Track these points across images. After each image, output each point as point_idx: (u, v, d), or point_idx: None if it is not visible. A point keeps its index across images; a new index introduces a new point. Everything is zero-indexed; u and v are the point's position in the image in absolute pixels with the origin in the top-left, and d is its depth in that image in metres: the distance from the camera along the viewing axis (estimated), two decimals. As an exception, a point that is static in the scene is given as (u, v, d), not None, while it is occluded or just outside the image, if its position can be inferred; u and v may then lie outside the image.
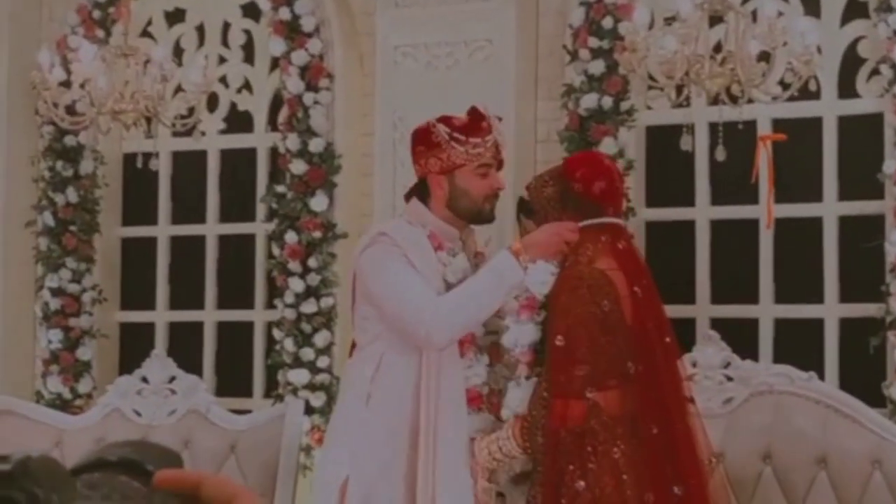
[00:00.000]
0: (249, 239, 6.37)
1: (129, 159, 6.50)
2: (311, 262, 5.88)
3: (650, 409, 3.36)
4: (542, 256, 3.36)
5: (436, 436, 3.31)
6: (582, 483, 3.28)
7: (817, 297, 5.41)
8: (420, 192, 3.53)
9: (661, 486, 3.33)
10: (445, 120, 3.50)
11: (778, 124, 5.41)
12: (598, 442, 3.30)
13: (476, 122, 3.46)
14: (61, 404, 6.21)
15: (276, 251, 6.00)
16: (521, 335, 3.38)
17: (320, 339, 5.87)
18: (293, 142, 6.00)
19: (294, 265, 5.90)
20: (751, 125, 5.22)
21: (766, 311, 5.48)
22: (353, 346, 3.60)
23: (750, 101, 4.72)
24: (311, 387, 5.86)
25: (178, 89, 5.71)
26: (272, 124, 6.32)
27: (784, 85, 4.85)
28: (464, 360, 3.40)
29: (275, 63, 6.27)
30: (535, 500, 3.36)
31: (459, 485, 3.34)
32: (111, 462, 0.93)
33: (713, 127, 5.16)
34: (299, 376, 5.82)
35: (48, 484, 0.86)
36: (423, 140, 3.49)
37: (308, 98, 6.01)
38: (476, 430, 3.38)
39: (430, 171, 3.46)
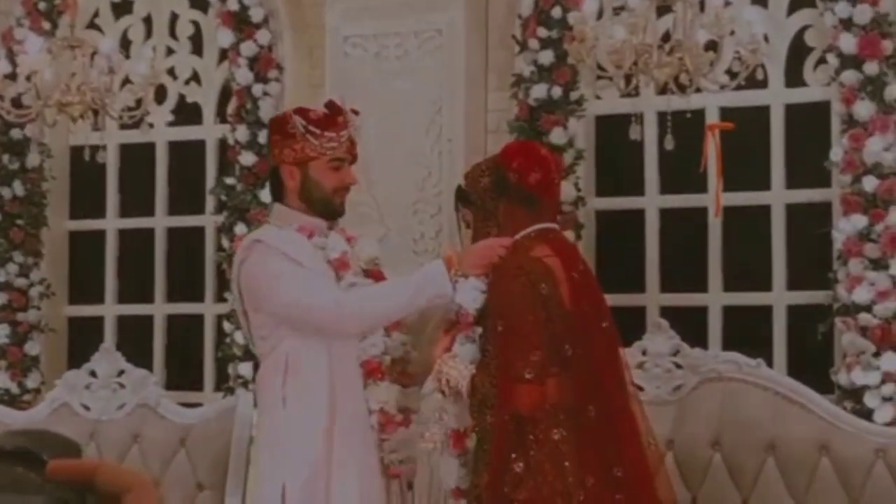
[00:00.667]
0: (199, 231, 6.33)
1: (76, 152, 6.44)
2: (262, 255, 5.85)
3: (587, 392, 3.38)
4: (473, 269, 3.37)
5: (332, 427, 3.33)
6: (522, 465, 3.29)
7: (766, 284, 5.45)
8: (273, 181, 3.53)
9: (601, 469, 3.35)
10: (302, 112, 3.51)
11: (726, 113, 5.43)
12: (540, 430, 3.31)
13: (333, 116, 3.47)
14: (9, 400, 6.15)
15: (225, 243, 5.98)
16: (464, 354, 3.43)
17: (271, 331, 5.84)
18: (242, 133, 5.97)
19: (244, 257, 5.86)
20: (699, 114, 5.25)
21: (715, 298, 5.51)
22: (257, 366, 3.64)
23: (698, 90, 4.74)
24: (263, 379, 5.83)
25: (126, 81, 5.68)
26: (221, 116, 6.29)
27: (731, 74, 4.87)
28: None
29: (223, 54, 6.23)
30: (481, 481, 3.35)
31: (356, 462, 3.35)
32: (7, 452, 0.92)
33: (662, 116, 5.19)
34: (250, 369, 5.79)
35: None
36: (279, 130, 3.50)
37: (257, 89, 5.99)
38: (380, 402, 3.39)
39: (283, 161, 3.47)
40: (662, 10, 4.73)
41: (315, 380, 3.35)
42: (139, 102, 5.47)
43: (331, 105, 3.52)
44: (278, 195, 3.53)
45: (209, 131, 6.37)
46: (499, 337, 3.36)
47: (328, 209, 3.48)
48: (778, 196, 5.47)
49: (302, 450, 3.33)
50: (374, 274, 3.53)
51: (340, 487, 3.31)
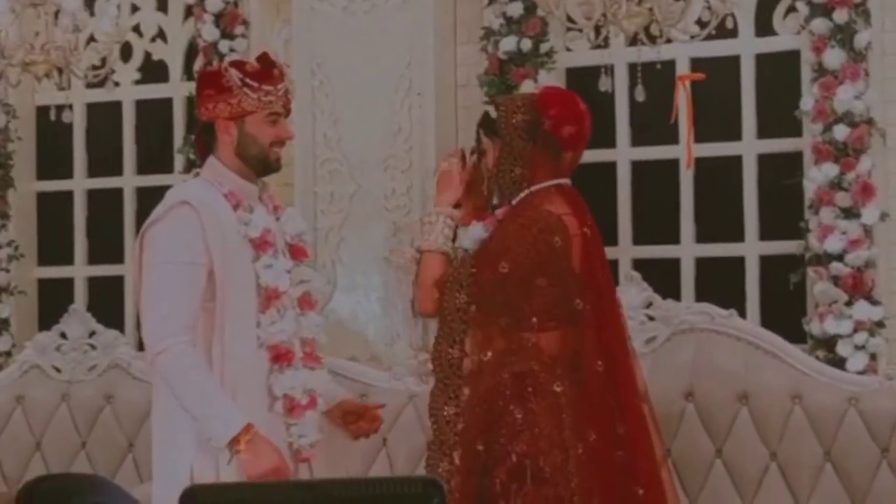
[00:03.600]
0: (167, 190, 6.26)
1: (42, 112, 6.37)
2: (232, 213, 5.81)
3: (596, 347, 3.37)
4: (247, 467, 3.17)
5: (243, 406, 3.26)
6: (520, 417, 3.28)
7: (738, 235, 5.45)
8: (205, 137, 3.46)
9: (603, 425, 3.34)
10: (238, 65, 3.42)
11: (696, 63, 5.41)
12: (538, 382, 3.31)
13: (268, 69, 3.39)
14: (-20, 363, 6.11)
15: (195, 202, 5.92)
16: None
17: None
18: (210, 91, 5.90)
19: (214, 216, 5.82)
20: (669, 65, 5.22)
21: (688, 250, 5.51)
22: None
23: (668, 40, 4.71)
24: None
25: (91, 40, 5.60)
26: (188, 73, 6.22)
27: (701, 24, 4.84)
28: (266, 317, 3.31)
29: (189, 11, 6.16)
30: (470, 432, 3.33)
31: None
32: None
33: (632, 67, 5.14)
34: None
35: None
36: (212, 83, 3.40)
37: (223, 46, 5.92)
38: (289, 388, 3.32)
39: (218, 116, 3.38)
40: (631, -40, 4.69)
41: (214, 365, 3.26)
42: (104, 61, 5.39)
43: (264, 58, 3.44)
44: (210, 150, 3.44)
45: (176, 89, 6.30)
46: (500, 279, 3.33)
47: (264, 165, 3.40)
48: (749, 146, 5.46)
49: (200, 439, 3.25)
50: (297, 250, 3.46)
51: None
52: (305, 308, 3.44)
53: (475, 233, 3.48)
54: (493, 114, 3.53)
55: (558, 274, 3.36)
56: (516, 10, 5.50)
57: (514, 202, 3.47)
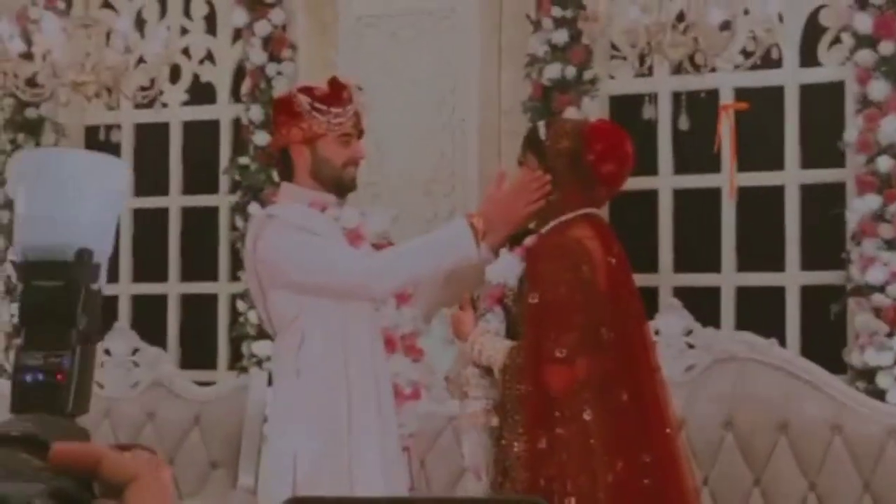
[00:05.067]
0: (213, 211, 6.34)
1: (91, 132, 6.45)
2: (275, 234, 5.86)
3: (621, 376, 3.38)
4: (503, 229, 3.36)
5: (350, 395, 3.34)
6: (546, 442, 3.30)
7: (779, 264, 5.44)
8: (283, 164, 3.52)
9: (630, 454, 3.35)
10: (307, 90, 3.51)
11: (740, 93, 5.42)
12: (567, 408, 3.32)
13: (337, 92, 3.47)
14: (25, 378, 6.17)
15: (239, 223, 5.98)
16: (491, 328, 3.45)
17: (285, 310, 5.85)
18: (256, 113, 5.97)
19: (258, 237, 5.87)
20: (713, 94, 5.24)
21: (729, 279, 5.51)
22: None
23: (712, 70, 4.74)
24: (276, 358, 5.85)
25: (140, 61, 5.68)
26: (235, 95, 6.29)
27: (746, 54, 4.86)
28: (370, 305, 3.41)
29: (237, 34, 6.23)
30: (515, 456, 3.36)
31: (376, 429, 3.35)
32: (12, 437, 0.90)
33: (676, 96, 5.18)
34: (263, 348, 5.81)
35: None
36: (284, 110, 3.49)
37: (271, 69, 5.99)
38: (394, 374, 3.40)
39: (292, 141, 3.46)
40: (676, -10, 4.72)
41: (330, 350, 3.36)
42: (153, 82, 5.48)
43: (334, 81, 3.52)
44: (288, 176, 3.53)
45: (223, 111, 6.37)
46: (531, 309, 3.37)
47: (340, 185, 3.48)
48: (792, 176, 5.45)
49: (316, 419, 3.34)
50: (384, 248, 3.53)
51: (363, 454, 3.32)
52: (401, 303, 3.49)
53: (508, 265, 3.48)
54: (542, 132, 3.55)
55: (586, 303, 3.37)
56: (561, 37, 5.53)
57: (543, 231, 3.49)
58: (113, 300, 6.51)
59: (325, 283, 3.34)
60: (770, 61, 4.88)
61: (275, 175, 5.79)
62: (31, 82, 5.39)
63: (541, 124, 3.62)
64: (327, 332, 3.36)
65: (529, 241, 3.55)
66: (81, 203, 1.11)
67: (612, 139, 3.52)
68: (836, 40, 5.34)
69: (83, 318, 1.08)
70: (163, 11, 6.50)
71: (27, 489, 0.84)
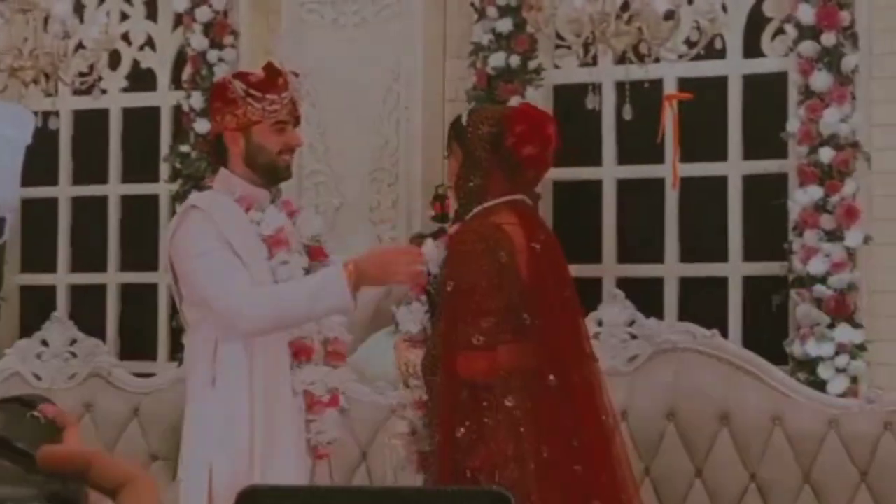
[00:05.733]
0: (153, 199, 6.26)
1: (28, 118, 6.35)
2: (217, 223, 5.79)
3: (547, 362, 3.36)
4: (373, 282, 3.29)
5: (263, 405, 3.29)
6: (474, 431, 3.27)
7: (722, 255, 5.46)
8: (217, 149, 3.49)
9: (557, 439, 3.33)
10: (242, 76, 3.47)
11: (684, 83, 5.42)
12: (494, 396, 3.30)
13: (273, 79, 3.42)
14: (-40, 368, 6.08)
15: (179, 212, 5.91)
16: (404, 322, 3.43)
17: (226, 300, 5.79)
18: (197, 100, 5.90)
19: (199, 226, 5.81)
20: (657, 84, 5.23)
21: (672, 270, 5.52)
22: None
23: (656, 60, 4.73)
24: (217, 349, 5.79)
25: (79, 46, 5.59)
26: (176, 82, 6.21)
27: (690, 44, 4.86)
28: None
29: (178, 20, 6.16)
30: (432, 445, 3.35)
31: (283, 443, 3.31)
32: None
33: (620, 86, 5.16)
34: (204, 338, 5.75)
35: None
36: (219, 96, 3.44)
37: (212, 55, 5.92)
38: (305, 383, 3.34)
39: (226, 128, 3.42)
40: (621, -21, 4.70)
41: (240, 360, 3.29)
42: (92, 68, 5.39)
43: (269, 67, 3.47)
44: (222, 163, 3.48)
45: (163, 98, 6.30)
46: (446, 297, 3.34)
47: (274, 172, 3.43)
48: (735, 167, 5.47)
49: (229, 431, 3.28)
50: (315, 251, 3.47)
51: (268, 470, 3.25)
52: None
53: (430, 253, 3.46)
54: (464, 119, 3.53)
55: (506, 288, 3.35)
56: (506, 26, 5.51)
57: (467, 217, 3.47)
58: (51, 290, 6.42)
59: (204, 301, 3.30)
60: (714, 52, 4.88)
61: (216, 163, 5.74)
62: (-33, 68, 5.29)
63: (464, 113, 3.61)
64: (237, 340, 3.31)
65: (453, 228, 3.53)
66: None
67: (531, 121, 3.50)
68: (780, 31, 5.35)
69: None
70: (102, -4, 6.40)
71: (23, 493, 0.82)
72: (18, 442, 0.86)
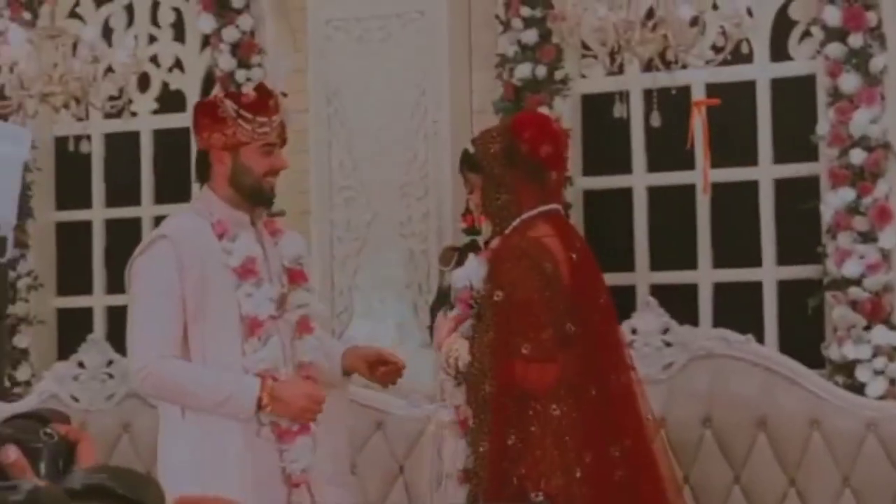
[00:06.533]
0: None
1: (60, 142, 6.40)
2: (249, 241, 5.82)
3: (588, 370, 3.38)
4: (279, 415, 3.28)
5: (232, 436, 3.30)
6: (521, 440, 3.29)
7: (755, 260, 5.43)
8: (201, 165, 3.47)
9: (599, 447, 3.35)
10: (233, 96, 3.46)
11: (711, 89, 5.41)
12: (541, 405, 3.32)
13: (264, 100, 3.41)
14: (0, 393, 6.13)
15: (212, 231, 5.94)
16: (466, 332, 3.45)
17: (260, 318, 5.81)
18: (227, 120, 5.93)
19: (231, 245, 5.83)
20: (684, 91, 5.23)
21: (705, 275, 5.50)
22: None
23: (683, 66, 4.72)
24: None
25: (108, 70, 5.63)
26: (205, 103, 6.24)
27: (716, 49, 4.85)
28: (248, 345, 3.30)
29: (206, 41, 6.19)
30: (480, 456, 3.35)
31: (257, 482, 3.30)
32: (112, 491, 0.88)
33: (647, 93, 5.15)
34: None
35: None
36: (208, 114, 3.42)
37: (240, 75, 5.95)
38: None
39: (212, 146, 3.40)
40: (645, -14, 4.70)
41: None
42: (122, 91, 5.43)
43: (261, 88, 3.47)
44: (206, 179, 3.46)
45: (193, 118, 6.32)
46: (495, 307, 3.35)
47: (258, 194, 3.40)
48: (765, 171, 5.45)
49: (200, 462, 3.26)
50: (295, 274, 3.45)
51: (248, 497, 3.24)
52: (304, 332, 3.44)
53: (472, 268, 3.49)
54: (471, 149, 3.57)
55: (555, 300, 3.37)
56: (531, 37, 5.51)
57: (506, 232, 3.48)
58: (87, 312, 6.46)
59: (127, 332, 3.34)
60: (740, 56, 4.87)
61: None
62: (-1, 94, 5.34)
63: (467, 146, 3.64)
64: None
65: (494, 243, 3.55)
66: None
67: (536, 123, 3.58)
68: (807, 34, 5.33)
69: None
70: (130, 20, 6.45)
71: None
72: (120, 489, 0.87)
